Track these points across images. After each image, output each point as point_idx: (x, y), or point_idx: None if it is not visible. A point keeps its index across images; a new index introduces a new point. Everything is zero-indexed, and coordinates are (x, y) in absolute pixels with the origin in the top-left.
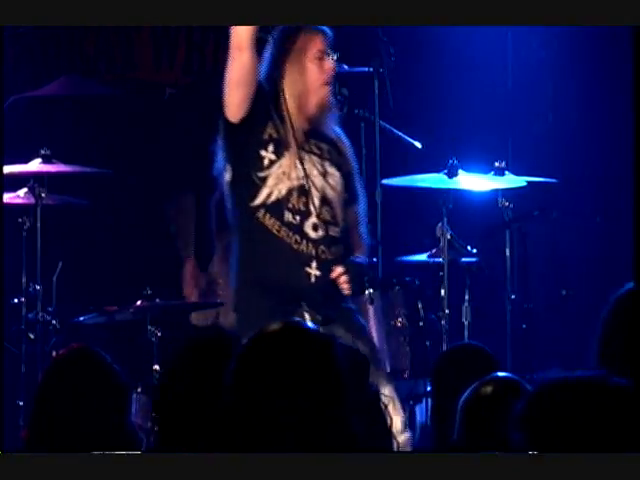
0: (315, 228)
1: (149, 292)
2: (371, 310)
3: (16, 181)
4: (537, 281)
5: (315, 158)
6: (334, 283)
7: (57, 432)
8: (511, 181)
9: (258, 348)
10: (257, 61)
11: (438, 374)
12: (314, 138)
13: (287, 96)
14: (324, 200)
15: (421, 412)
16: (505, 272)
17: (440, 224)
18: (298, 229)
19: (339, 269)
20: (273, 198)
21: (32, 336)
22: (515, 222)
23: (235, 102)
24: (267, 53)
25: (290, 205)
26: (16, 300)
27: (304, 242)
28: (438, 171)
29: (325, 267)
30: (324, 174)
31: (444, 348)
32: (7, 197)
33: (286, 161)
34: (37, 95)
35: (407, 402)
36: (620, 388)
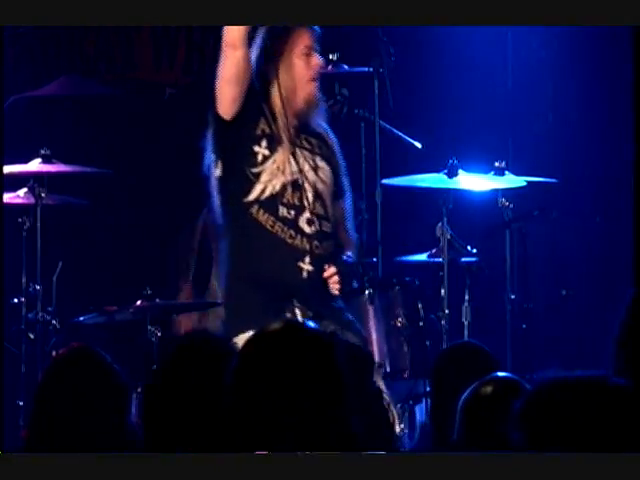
0: (309, 223)
1: (149, 292)
2: (371, 310)
3: (16, 181)
4: (537, 281)
5: (306, 153)
6: (325, 279)
7: (57, 432)
8: (511, 181)
9: (259, 347)
10: (250, 58)
11: (437, 373)
12: (304, 133)
13: (276, 92)
14: (317, 195)
15: (421, 412)
16: (505, 272)
17: (440, 224)
18: (293, 224)
19: (332, 269)
20: (267, 193)
21: (32, 336)
22: (515, 222)
23: (228, 99)
24: (255, 50)
25: (285, 200)
26: (16, 300)
27: (298, 237)
28: (438, 171)
29: (317, 262)
30: (315, 169)
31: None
32: (7, 197)
33: (280, 156)
34: (37, 95)
35: (407, 402)
36: (619, 388)
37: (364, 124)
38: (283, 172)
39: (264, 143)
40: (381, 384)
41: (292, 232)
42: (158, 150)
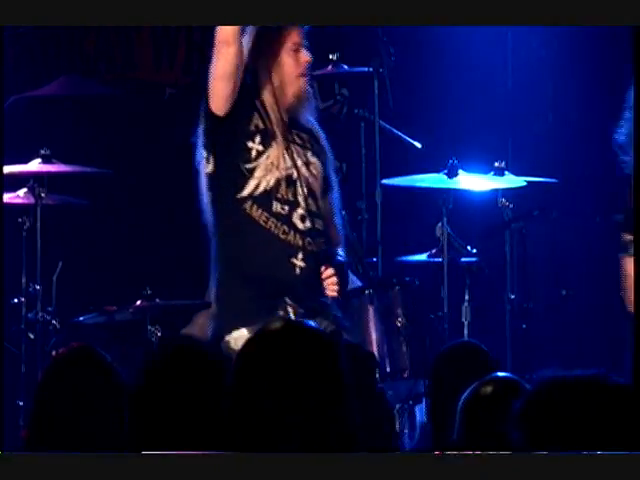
0: (303, 219)
1: (149, 292)
2: (371, 310)
3: (16, 181)
4: (537, 281)
5: (298, 148)
6: (317, 276)
7: (57, 431)
8: (511, 181)
9: (260, 347)
10: (243, 55)
11: (437, 372)
12: (295, 129)
13: (267, 88)
14: (309, 191)
15: (421, 412)
16: (505, 272)
17: (440, 224)
18: (286, 220)
19: (329, 271)
20: (261, 189)
21: (32, 336)
22: (515, 222)
23: (222, 95)
24: (246, 46)
25: (279, 195)
26: (16, 300)
27: (292, 233)
28: (438, 171)
29: (310, 259)
30: (307, 164)
31: None
32: (7, 197)
33: (274, 152)
34: (37, 95)
35: (407, 402)
36: (619, 387)
37: (364, 124)
38: (277, 167)
39: (258, 139)
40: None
41: (285, 228)
42: (158, 150)
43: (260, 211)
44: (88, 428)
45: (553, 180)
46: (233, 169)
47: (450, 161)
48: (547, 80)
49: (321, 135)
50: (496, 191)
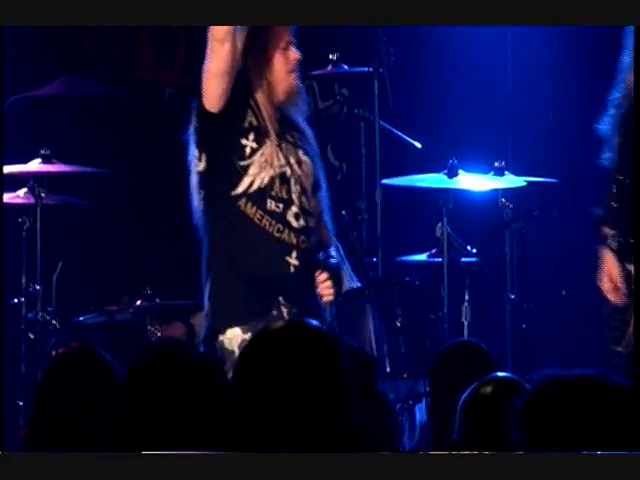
0: (297, 217)
1: (149, 292)
2: (371, 310)
3: (16, 181)
4: (537, 281)
5: (290, 146)
6: (311, 275)
7: (56, 431)
8: (511, 181)
9: (263, 346)
10: (237, 52)
11: (437, 372)
12: (286, 126)
13: (258, 86)
14: (302, 189)
15: (421, 412)
16: (505, 272)
17: (440, 224)
18: (281, 218)
19: (324, 275)
20: (255, 186)
21: (32, 336)
22: (515, 222)
23: (216, 93)
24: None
25: (273, 193)
26: (16, 300)
27: (286, 231)
28: (438, 171)
29: (304, 257)
30: (299, 162)
31: None
32: (7, 197)
33: (268, 149)
34: (37, 95)
35: (407, 402)
36: (619, 387)
37: (364, 124)
38: (271, 165)
39: (252, 136)
40: None
41: (280, 226)
42: (158, 150)
43: (255, 209)
44: (88, 428)
45: (553, 180)
46: (227, 166)
47: (450, 161)
48: (547, 80)
49: (310, 134)
50: (496, 191)
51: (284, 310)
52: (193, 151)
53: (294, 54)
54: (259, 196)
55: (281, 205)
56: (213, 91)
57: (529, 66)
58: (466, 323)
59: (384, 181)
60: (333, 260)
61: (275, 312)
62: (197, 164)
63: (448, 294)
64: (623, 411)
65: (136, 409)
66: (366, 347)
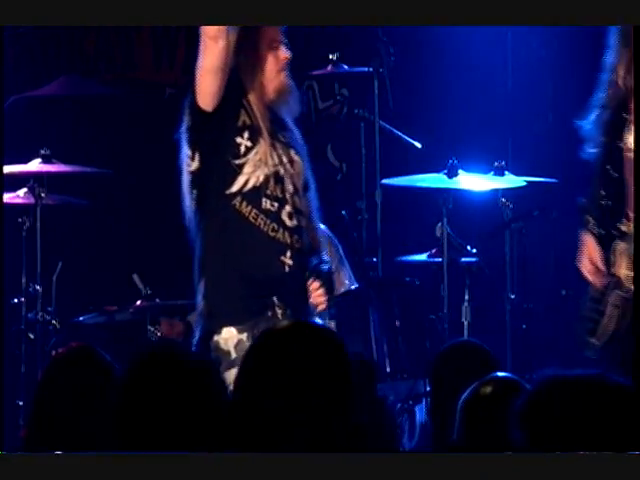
0: (290, 216)
1: (149, 292)
2: (370, 310)
3: (16, 181)
4: (537, 281)
5: (282, 145)
6: (304, 275)
7: (56, 431)
8: (511, 181)
9: (267, 345)
10: (230, 50)
11: (437, 372)
12: (277, 125)
13: (249, 85)
14: (294, 188)
15: (421, 412)
16: (505, 272)
17: (440, 224)
18: (275, 217)
19: (315, 284)
20: (250, 185)
21: (32, 336)
22: (515, 222)
23: (210, 91)
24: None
25: (268, 192)
26: (16, 300)
27: (280, 230)
28: (438, 171)
29: (297, 257)
30: (291, 161)
31: None
32: (7, 197)
33: (262, 148)
34: (37, 95)
35: (407, 402)
36: (620, 387)
37: (364, 124)
38: (266, 164)
39: (246, 134)
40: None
41: (274, 225)
42: (158, 150)
43: (250, 207)
44: (87, 428)
45: (553, 180)
46: (221, 165)
47: (450, 161)
48: (547, 80)
49: (298, 134)
50: (496, 191)
51: (279, 311)
52: (185, 150)
53: (284, 53)
54: (254, 195)
55: (276, 204)
56: (207, 89)
57: (529, 66)
58: (466, 323)
59: (384, 181)
60: (325, 266)
61: (270, 313)
62: (190, 163)
63: (448, 294)
64: (623, 411)
65: (132, 409)
66: (366, 347)
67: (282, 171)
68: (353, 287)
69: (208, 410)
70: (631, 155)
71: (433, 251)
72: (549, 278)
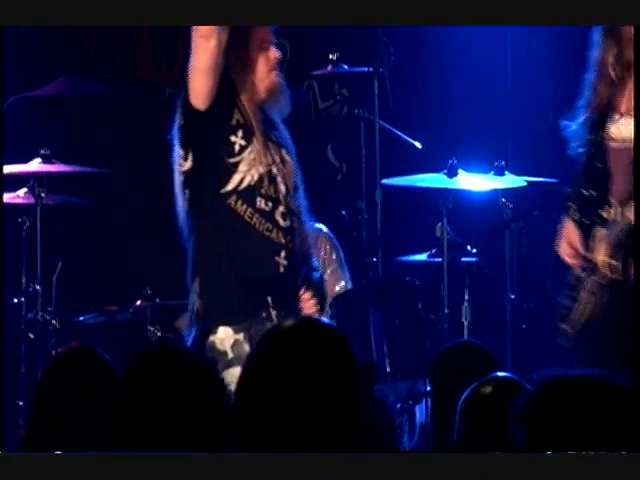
0: (284, 217)
1: (149, 292)
2: (370, 310)
3: (16, 181)
4: (537, 281)
5: (275, 145)
6: (297, 276)
7: (56, 430)
8: (511, 181)
9: (273, 344)
10: (222, 49)
11: (437, 372)
12: (268, 125)
13: (241, 85)
14: (287, 188)
15: (421, 412)
16: (505, 272)
17: (440, 224)
18: (270, 217)
19: (307, 294)
20: (245, 184)
21: (32, 336)
22: (515, 222)
23: (203, 90)
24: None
25: (262, 191)
26: (16, 300)
27: (275, 230)
28: (438, 171)
29: (291, 258)
30: (283, 161)
31: None
32: (7, 197)
33: (256, 147)
34: (37, 95)
35: (407, 402)
36: (621, 387)
37: (364, 124)
38: (260, 163)
39: (240, 133)
40: None
41: (269, 225)
42: (158, 150)
43: (245, 206)
44: (87, 427)
45: (553, 180)
46: (216, 164)
47: (450, 161)
48: (547, 80)
49: (287, 134)
50: (496, 191)
51: (273, 312)
52: (178, 150)
53: (274, 54)
54: (249, 194)
55: (270, 204)
56: (200, 88)
57: (529, 66)
58: (466, 323)
59: (384, 181)
60: (316, 275)
61: (264, 314)
62: (182, 163)
63: (448, 294)
64: (624, 411)
65: (131, 408)
66: (366, 347)
67: (275, 171)
68: (349, 287)
69: (208, 409)
70: (614, 144)
71: (433, 251)
72: (549, 278)
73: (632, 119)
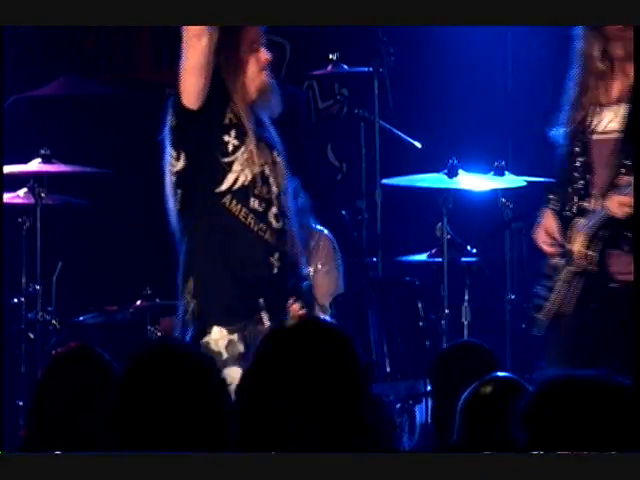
0: (277, 218)
1: (149, 292)
2: (370, 310)
3: (16, 181)
4: (537, 281)
5: (266, 145)
6: (289, 278)
7: (55, 430)
8: (511, 181)
9: (276, 343)
10: (213, 48)
11: (437, 372)
12: (259, 126)
13: (232, 85)
14: (279, 189)
15: (421, 412)
16: (505, 272)
17: (440, 224)
18: (263, 217)
19: (296, 305)
20: (239, 184)
21: (32, 336)
22: (515, 222)
23: (195, 89)
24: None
25: (256, 191)
26: (16, 300)
27: (268, 231)
28: (438, 171)
29: (284, 259)
30: (274, 162)
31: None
32: (7, 197)
33: (249, 146)
34: (37, 95)
35: (407, 402)
36: (623, 387)
37: (364, 124)
38: (253, 162)
39: (233, 133)
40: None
41: (263, 225)
42: (158, 150)
43: (239, 206)
44: (87, 427)
45: (553, 180)
46: (210, 163)
47: (450, 161)
48: (547, 80)
49: (277, 135)
50: (496, 191)
51: (265, 315)
52: (169, 151)
53: (265, 55)
54: (243, 194)
55: (263, 204)
56: (192, 87)
57: (529, 66)
58: (466, 323)
59: (384, 181)
60: (305, 284)
61: (257, 315)
62: (174, 164)
63: (448, 294)
64: (625, 411)
65: (131, 408)
66: (365, 347)
67: (267, 171)
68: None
69: (208, 409)
70: (595, 136)
71: (433, 251)
72: None
73: (612, 111)
